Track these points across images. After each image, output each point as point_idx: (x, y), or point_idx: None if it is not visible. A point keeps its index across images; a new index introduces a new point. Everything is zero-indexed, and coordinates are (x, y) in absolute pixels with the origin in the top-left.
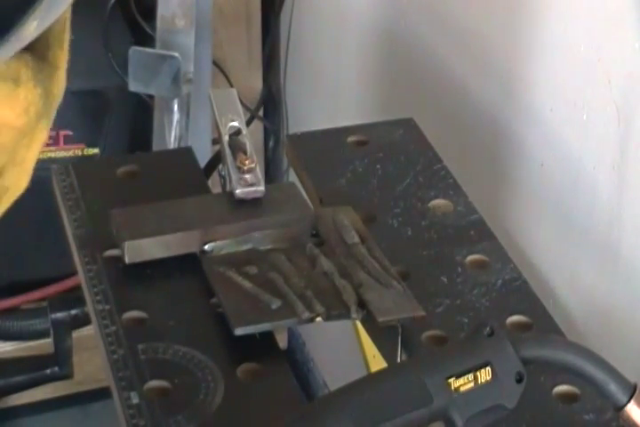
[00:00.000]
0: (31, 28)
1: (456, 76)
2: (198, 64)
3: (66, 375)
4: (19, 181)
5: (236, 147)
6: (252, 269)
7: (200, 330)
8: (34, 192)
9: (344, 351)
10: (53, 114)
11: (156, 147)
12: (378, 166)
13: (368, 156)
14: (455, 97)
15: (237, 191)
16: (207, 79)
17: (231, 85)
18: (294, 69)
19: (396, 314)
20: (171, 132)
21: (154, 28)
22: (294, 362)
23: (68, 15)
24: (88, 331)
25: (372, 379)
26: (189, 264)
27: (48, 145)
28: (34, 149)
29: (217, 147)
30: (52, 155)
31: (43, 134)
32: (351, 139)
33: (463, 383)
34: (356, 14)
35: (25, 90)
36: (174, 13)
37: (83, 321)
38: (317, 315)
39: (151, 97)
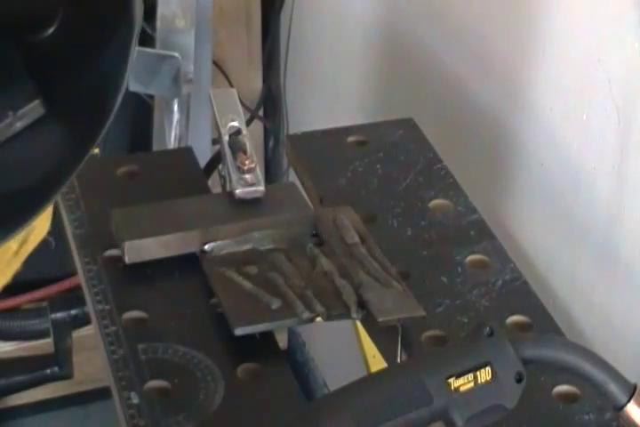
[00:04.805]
0: None
1: (456, 76)
2: (198, 64)
3: (66, 375)
4: (42, 222)
5: (236, 147)
6: (252, 270)
7: (200, 330)
8: None
9: (344, 351)
10: None
11: (156, 147)
12: (378, 166)
13: (368, 156)
14: (455, 97)
15: (237, 191)
16: (207, 79)
17: (231, 85)
18: (294, 69)
19: (396, 314)
20: (171, 132)
21: (154, 28)
22: (294, 362)
23: None
24: (88, 331)
25: (372, 379)
26: (189, 264)
27: None
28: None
29: (217, 147)
30: None
31: None
32: (351, 139)
33: (463, 383)
34: (356, 14)
35: None
36: (174, 13)
37: (83, 321)
38: (317, 315)
39: (151, 97)
